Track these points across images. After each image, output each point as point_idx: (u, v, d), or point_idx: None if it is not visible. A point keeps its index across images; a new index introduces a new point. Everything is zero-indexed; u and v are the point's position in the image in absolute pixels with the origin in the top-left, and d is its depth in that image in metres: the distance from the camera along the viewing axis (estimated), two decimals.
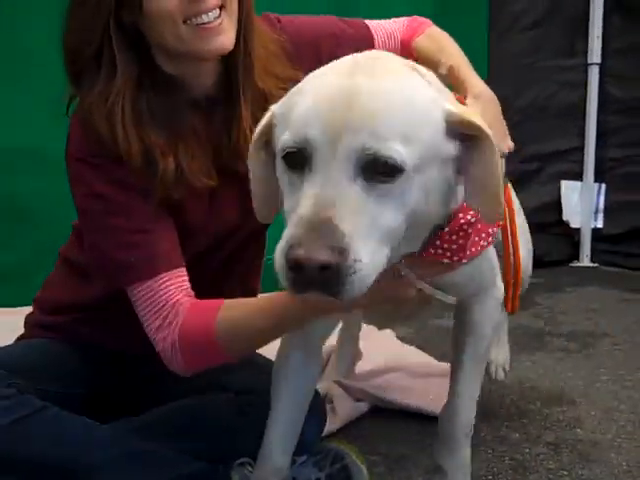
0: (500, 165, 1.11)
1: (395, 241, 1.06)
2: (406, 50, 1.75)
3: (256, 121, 1.37)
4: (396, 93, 1.05)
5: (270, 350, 1.55)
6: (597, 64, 4.04)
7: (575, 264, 4.17)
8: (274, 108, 1.17)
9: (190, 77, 1.55)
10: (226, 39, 1.47)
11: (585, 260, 4.18)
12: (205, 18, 1.43)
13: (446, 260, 1.24)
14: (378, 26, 1.81)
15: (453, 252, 1.23)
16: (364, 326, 2.79)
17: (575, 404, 2.27)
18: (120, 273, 1.51)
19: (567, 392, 2.37)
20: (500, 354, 2.34)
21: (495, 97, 1.42)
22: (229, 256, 1.74)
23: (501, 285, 1.54)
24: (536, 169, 4.09)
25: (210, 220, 1.63)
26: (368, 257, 0.99)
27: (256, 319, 1.41)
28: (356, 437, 1.99)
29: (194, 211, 1.59)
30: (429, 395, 2.17)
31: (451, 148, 1.09)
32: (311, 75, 1.13)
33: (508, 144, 1.38)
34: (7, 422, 1.47)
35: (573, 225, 4.16)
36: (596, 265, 4.12)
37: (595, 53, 4.02)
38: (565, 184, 4.14)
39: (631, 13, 3.94)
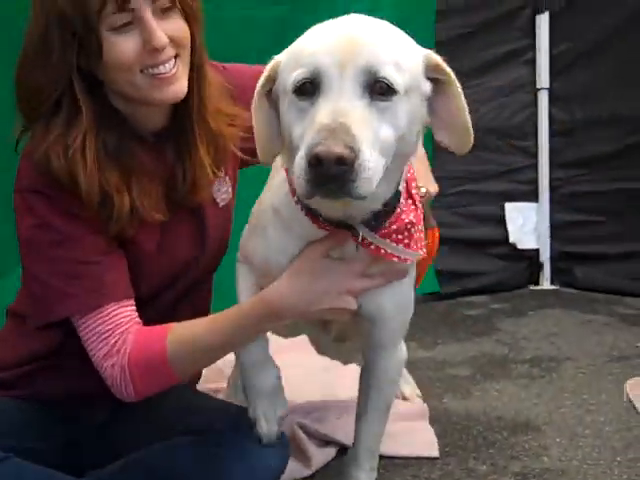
0: (464, 103, 1.31)
1: (387, 158, 1.23)
2: None
3: (211, 157, 1.57)
4: (388, 32, 1.29)
5: None
6: (546, 89, 4.10)
7: (535, 287, 4.19)
8: (278, 57, 1.33)
9: (141, 117, 1.60)
10: (179, 87, 1.53)
11: (545, 283, 4.21)
12: (162, 69, 1.50)
13: (395, 259, 1.41)
14: None
15: (411, 248, 1.43)
16: (327, 360, 2.78)
17: (541, 431, 2.28)
18: (64, 303, 1.53)
19: (532, 419, 2.37)
20: (408, 389, 2.49)
21: (424, 151, 1.69)
22: (180, 297, 1.74)
23: (404, 348, 1.68)
24: (478, 190, 4.13)
25: (162, 255, 1.64)
26: (373, 162, 1.16)
27: (206, 336, 1.50)
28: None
29: (146, 245, 1.61)
30: (409, 438, 2.17)
31: (427, 86, 1.30)
32: (311, 29, 1.31)
33: (435, 187, 1.65)
34: None
35: (520, 247, 4.19)
36: (557, 287, 4.16)
37: (543, 79, 4.09)
38: (509, 206, 4.19)
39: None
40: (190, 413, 1.68)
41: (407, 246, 1.43)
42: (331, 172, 1.12)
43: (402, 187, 1.43)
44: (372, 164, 1.15)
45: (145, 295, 1.65)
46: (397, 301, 1.56)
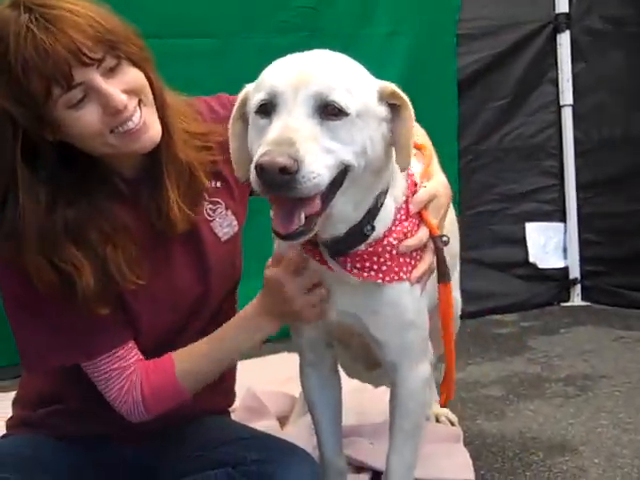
0: (412, 127, 1.45)
1: (351, 178, 1.38)
2: None
3: (180, 192, 1.59)
4: (343, 64, 1.44)
5: None
6: (570, 105, 4.08)
7: (566, 304, 4.14)
8: (248, 86, 1.47)
9: (117, 161, 1.58)
10: (153, 133, 1.52)
11: (576, 299, 4.16)
12: (131, 124, 1.48)
13: (379, 281, 1.51)
14: None
15: (384, 273, 1.51)
16: (358, 383, 2.76)
17: (578, 452, 2.24)
18: (46, 357, 1.60)
19: (569, 440, 2.33)
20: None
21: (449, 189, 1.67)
22: (204, 326, 1.73)
23: (428, 367, 1.69)
24: (500, 210, 4.11)
25: (162, 302, 1.65)
26: (321, 170, 1.28)
27: (208, 357, 1.65)
28: None
29: (142, 296, 1.61)
30: (444, 461, 2.13)
31: (383, 111, 1.43)
32: (276, 61, 1.44)
33: (439, 187, 1.62)
34: None
35: (541, 266, 4.15)
36: (588, 304, 4.10)
37: (567, 95, 4.06)
38: (529, 226, 4.16)
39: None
40: (222, 444, 1.67)
41: (390, 269, 1.51)
42: (276, 180, 1.25)
43: (392, 203, 1.52)
44: (315, 174, 1.27)
45: (159, 339, 1.68)
46: (396, 319, 1.58)
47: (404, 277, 1.54)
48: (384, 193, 1.50)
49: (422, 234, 1.55)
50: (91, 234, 1.52)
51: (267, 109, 1.36)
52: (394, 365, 1.65)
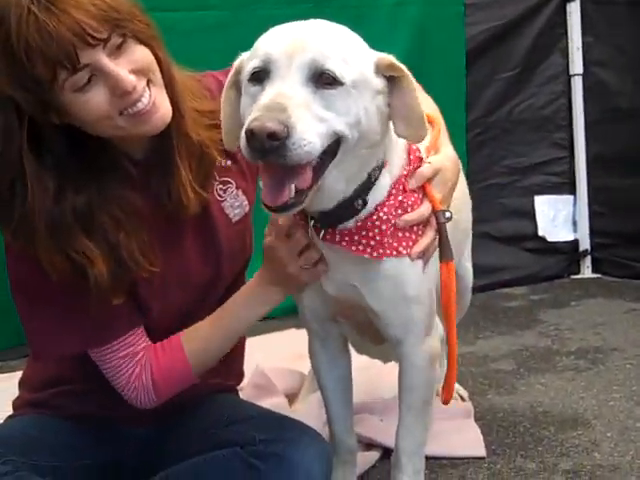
0: (418, 97, 1.42)
1: (344, 150, 1.35)
2: None
3: (193, 172, 1.55)
4: (339, 34, 1.40)
5: None
6: (580, 75, 4.01)
7: (576, 276, 4.11)
8: (243, 54, 1.44)
9: (127, 143, 1.55)
10: (163, 112, 1.48)
11: (586, 271, 4.13)
12: (140, 105, 1.44)
13: (367, 256, 1.49)
14: None
15: (372, 248, 1.49)
16: (367, 359, 2.74)
17: (590, 426, 2.22)
18: (58, 343, 1.58)
19: (581, 414, 2.32)
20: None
21: (457, 162, 1.66)
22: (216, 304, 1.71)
23: (435, 343, 1.67)
24: (510, 182, 4.07)
25: (178, 273, 1.63)
26: (312, 138, 1.26)
27: (217, 333, 1.64)
28: None
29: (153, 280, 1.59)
30: (455, 437, 2.13)
31: (379, 83, 1.40)
32: (271, 29, 1.41)
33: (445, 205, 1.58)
34: None
35: (550, 239, 4.10)
36: (599, 276, 4.07)
37: (577, 64, 4.00)
38: (538, 199, 4.11)
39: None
40: (231, 423, 1.65)
41: (379, 243, 1.48)
42: (265, 146, 1.22)
43: (388, 178, 1.49)
44: (306, 142, 1.24)
45: (176, 321, 1.67)
46: (396, 293, 1.56)
47: (403, 252, 1.51)
48: (379, 168, 1.48)
49: (424, 209, 1.52)
50: (102, 221, 1.49)
51: (260, 77, 1.34)
52: (398, 340, 1.63)
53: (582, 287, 3.88)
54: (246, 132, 1.24)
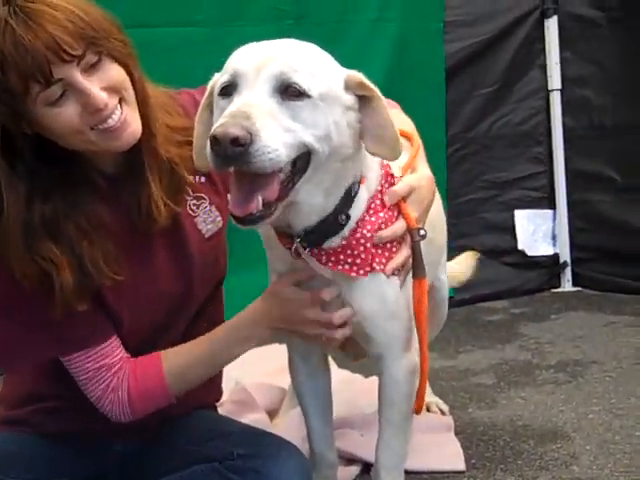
0: (389, 117, 1.42)
1: (315, 165, 1.36)
2: None
3: (163, 187, 1.55)
4: (307, 50, 1.42)
5: None
6: (558, 90, 4.06)
7: (557, 290, 4.14)
8: (217, 75, 1.44)
9: (98, 158, 1.56)
10: (133, 130, 1.49)
11: (567, 285, 4.16)
12: (111, 122, 1.45)
13: (353, 274, 1.50)
14: None
15: (358, 266, 1.50)
16: (348, 373, 2.74)
17: (570, 439, 2.23)
18: (23, 354, 1.60)
19: (560, 427, 2.33)
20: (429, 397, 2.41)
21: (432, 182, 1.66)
22: (190, 324, 1.73)
23: (414, 357, 1.66)
24: (489, 197, 4.10)
25: (148, 286, 1.63)
26: (277, 146, 1.26)
27: (198, 359, 1.63)
28: None
29: (123, 292, 1.59)
30: (435, 451, 2.13)
31: (350, 99, 1.41)
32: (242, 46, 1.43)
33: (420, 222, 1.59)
34: None
35: (530, 253, 4.14)
36: (579, 289, 4.10)
37: (555, 79, 4.04)
38: (518, 213, 4.15)
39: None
40: (209, 439, 1.66)
41: (365, 261, 1.50)
42: (228, 152, 1.23)
43: (366, 192, 1.50)
44: (271, 150, 1.24)
45: (146, 337, 1.67)
46: (379, 312, 1.58)
47: (377, 268, 1.52)
48: (358, 183, 1.49)
49: (398, 226, 1.54)
50: (67, 229, 1.50)
51: (229, 91, 1.35)
52: (379, 355, 1.64)
53: (562, 301, 3.90)
54: (210, 138, 1.24)
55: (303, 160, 1.35)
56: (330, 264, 1.49)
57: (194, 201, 1.69)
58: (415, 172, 1.62)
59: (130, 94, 1.49)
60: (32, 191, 1.47)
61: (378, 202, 1.53)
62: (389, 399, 1.68)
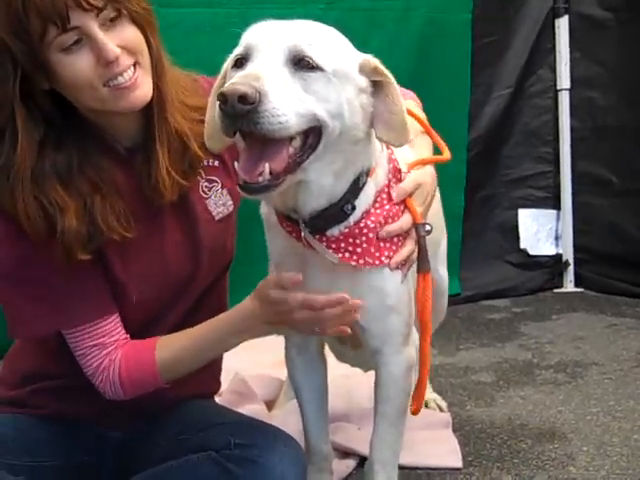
0: (401, 103, 1.42)
1: (326, 141, 1.35)
2: None
3: (172, 159, 1.58)
4: (324, 28, 1.42)
5: None
6: (567, 90, 4.04)
7: (559, 290, 4.12)
8: (231, 55, 1.43)
9: (115, 129, 1.59)
10: (143, 93, 1.52)
11: (569, 286, 4.15)
12: (121, 79, 1.48)
13: (353, 263, 1.49)
14: None
15: (358, 255, 1.49)
16: (348, 367, 2.74)
17: (567, 440, 2.22)
18: (26, 325, 1.60)
19: (558, 427, 2.32)
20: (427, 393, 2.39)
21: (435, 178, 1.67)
22: (191, 308, 1.73)
23: (412, 353, 1.66)
24: (495, 195, 4.08)
25: (156, 262, 1.64)
26: (286, 111, 1.25)
27: (191, 349, 1.62)
28: None
29: (138, 258, 1.62)
30: (432, 448, 2.12)
31: (364, 82, 1.41)
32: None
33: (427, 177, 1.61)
34: None
35: (532, 253, 4.13)
36: (581, 290, 4.09)
37: (564, 79, 4.03)
38: (522, 212, 4.13)
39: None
40: (205, 428, 1.65)
41: (366, 251, 1.49)
42: (236, 109, 1.22)
43: (373, 186, 1.50)
44: (280, 113, 1.24)
45: (151, 315, 1.67)
46: (378, 305, 1.57)
47: (385, 262, 1.52)
48: (365, 173, 1.48)
49: (404, 221, 1.54)
50: (79, 181, 1.52)
51: (242, 63, 1.36)
52: (377, 350, 1.64)
53: (564, 301, 3.89)
54: (218, 96, 1.24)
55: (314, 135, 1.34)
56: (331, 250, 1.49)
57: (206, 183, 1.70)
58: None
59: (145, 59, 1.52)
60: (46, 138, 1.50)
61: (385, 196, 1.52)
62: (385, 394, 1.67)
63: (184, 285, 1.70)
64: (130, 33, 1.49)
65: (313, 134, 1.34)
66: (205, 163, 1.67)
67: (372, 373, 2.65)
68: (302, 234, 1.48)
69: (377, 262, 1.51)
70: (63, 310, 1.58)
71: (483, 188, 4.05)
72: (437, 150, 1.75)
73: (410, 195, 1.56)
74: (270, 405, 2.44)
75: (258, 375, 2.60)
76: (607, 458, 2.08)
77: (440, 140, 1.75)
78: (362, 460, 2.05)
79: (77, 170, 1.52)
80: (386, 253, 1.52)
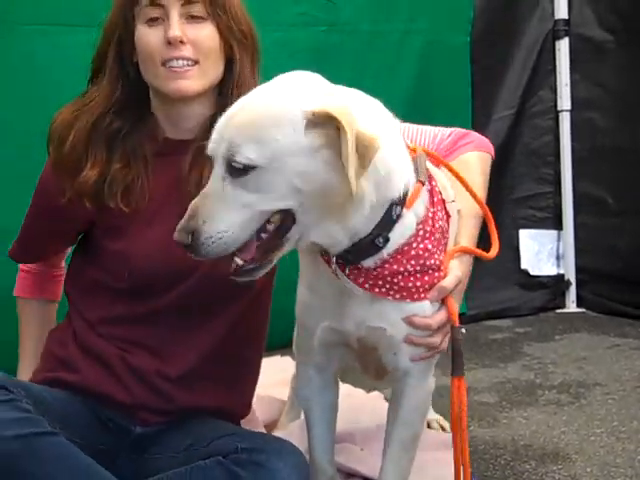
0: (351, 147, 1.29)
1: (303, 217, 1.37)
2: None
3: None
4: (255, 105, 1.39)
5: None
6: (568, 111, 4.06)
7: (562, 310, 4.12)
8: None
9: (171, 120, 1.76)
10: (188, 85, 1.67)
11: (572, 306, 4.14)
12: (175, 63, 1.65)
13: (390, 298, 1.49)
14: (405, 133, 1.76)
15: (395, 291, 1.49)
16: (350, 387, 2.73)
17: (571, 461, 2.21)
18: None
19: (562, 448, 2.31)
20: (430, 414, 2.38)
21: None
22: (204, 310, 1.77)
23: (432, 380, 1.67)
24: (494, 216, 4.07)
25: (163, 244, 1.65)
26: (226, 229, 1.35)
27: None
28: None
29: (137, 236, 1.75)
30: (435, 469, 2.09)
31: (314, 139, 1.33)
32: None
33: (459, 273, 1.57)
34: (24, 433, 1.46)
35: (533, 273, 4.14)
36: (583, 311, 4.08)
37: (565, 100, 4.05)
38: (523, 232, 4.14)
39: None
40: (214, 439, 1.66)
41: (397, 290, 1.49)
42: (186, 248, 1.38)
43: (413, 216, 1.47)
44: (215, 237, 1.35)
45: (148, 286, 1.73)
46: (413, 330, 1.55)
47: (422, 296, 1.51)
48: (397, 204, 1.44)
49: (437, 319, 1.54)
50: (116, 148, 1.72)
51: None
52: (405, 374, 1.61)
53: (566, 321, 3.89)
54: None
55: (285, 217, 1.38)
56: (367, 286, 1.48)
57: None
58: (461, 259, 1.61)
59: (209, 63, 1.67)
60: (117, 101, 1.72)
61: (428, 228, 1.49)
62: (406, 418, 1.65)
63: (184, 272, 1.71)
64: (206, 35, 1.66)
65: (283, 216, 1.38)
66: None
67: (376, 393, 2.66)
68: (332, 266, 1.48)
69: (404, 294, 1.50)
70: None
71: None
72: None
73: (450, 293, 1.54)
74: (271, 426, 2.43)
75: (260, 397, 2.58)
76: (611, 479, 2.07)
77: (494, 230, 1.70)
78: None
79: (121, 139, 1.72)
80: (427, 286, 1.51)
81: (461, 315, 3.01)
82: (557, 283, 4.16)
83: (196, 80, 1.67)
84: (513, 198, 4.09)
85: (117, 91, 1.72)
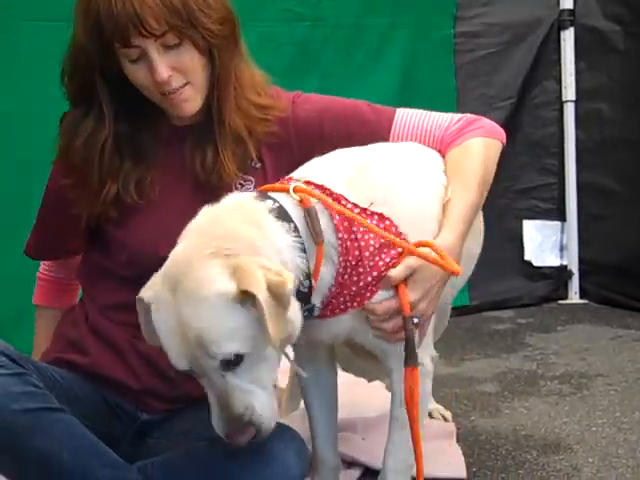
0: (269, 323, 1.31)
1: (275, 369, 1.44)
2: (442, 153, 1.80)
3: (227, 150, 1.74)
4: (198, 316, 1.35)
5: None
6: (572, 101, 4.05)
7: (564, 302, 4.12)
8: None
9: (172, 114, 1.77)
10: (191, 106, 1.71)
11: (574, 297, 4.14)
12: (171, 91, 1.67)
13: (351, 310, 1.54)
14: (412, 118, 1.84)
15: (352, 303, 1.53)
16: (352, 377, 2.73)
17: (572, 451, 2.21)
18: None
19: (563, 438, 2.31)
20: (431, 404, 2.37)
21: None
22: None
23: (426, 359, 1.65)
24: (499, 206, 4.07)
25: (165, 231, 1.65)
26: (262, 411, 1.40)
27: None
28: None
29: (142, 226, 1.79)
30: (436, 458, 2.10)
31: (244, 315, 1.35)
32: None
33: (419, 308, 1.53)
34: (33, 407, 1.47)
35: (536, 264, 4.12)
36: (586, 302, 4.08)
37: (570, 91, 4.03)
38: (527, 223, 4.13)
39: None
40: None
41: (345, 309, 1.54)
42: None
43: (328, 276, 1.50)
44: (263, 417, 1.41)
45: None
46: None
47: (375, 289, 1.52)
48: (302, 282, 1.47)
49: (384, 306, 1.53)
50: (125, 147, 1.75)
51: None
52: (388, 356, 1.62)
53: (569, 312, 3.88)
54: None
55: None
56: (328, 313, 1.54)
57: (241, 181, 1.78)
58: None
59: (198, 77, 1.68)
60: (119, 112, 1.73)
61: (351, 258, 1.50)
62: (400, 399, 1.62)
63: None
64: (187, 57, 1.65)
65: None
66: (249, 162, 1.78)
67: (377, 383, 2.66)
68: None
69: (369, 295, 1.53)
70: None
71: (487, 199, 4.04)
72: None
73: (404, 281, 1.51)
74: None
75: None
76: (613, 470, 2.07)
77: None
78: (366, 470, 2.06)
79: (129, 140, 1.75)
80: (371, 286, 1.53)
81: (464, 306, 3.01)
82: (560, 274, 4.15)
83: (193, 97, 1.70)
84: (517, 189, 4.08)
85: (113, 111, 1.74)
